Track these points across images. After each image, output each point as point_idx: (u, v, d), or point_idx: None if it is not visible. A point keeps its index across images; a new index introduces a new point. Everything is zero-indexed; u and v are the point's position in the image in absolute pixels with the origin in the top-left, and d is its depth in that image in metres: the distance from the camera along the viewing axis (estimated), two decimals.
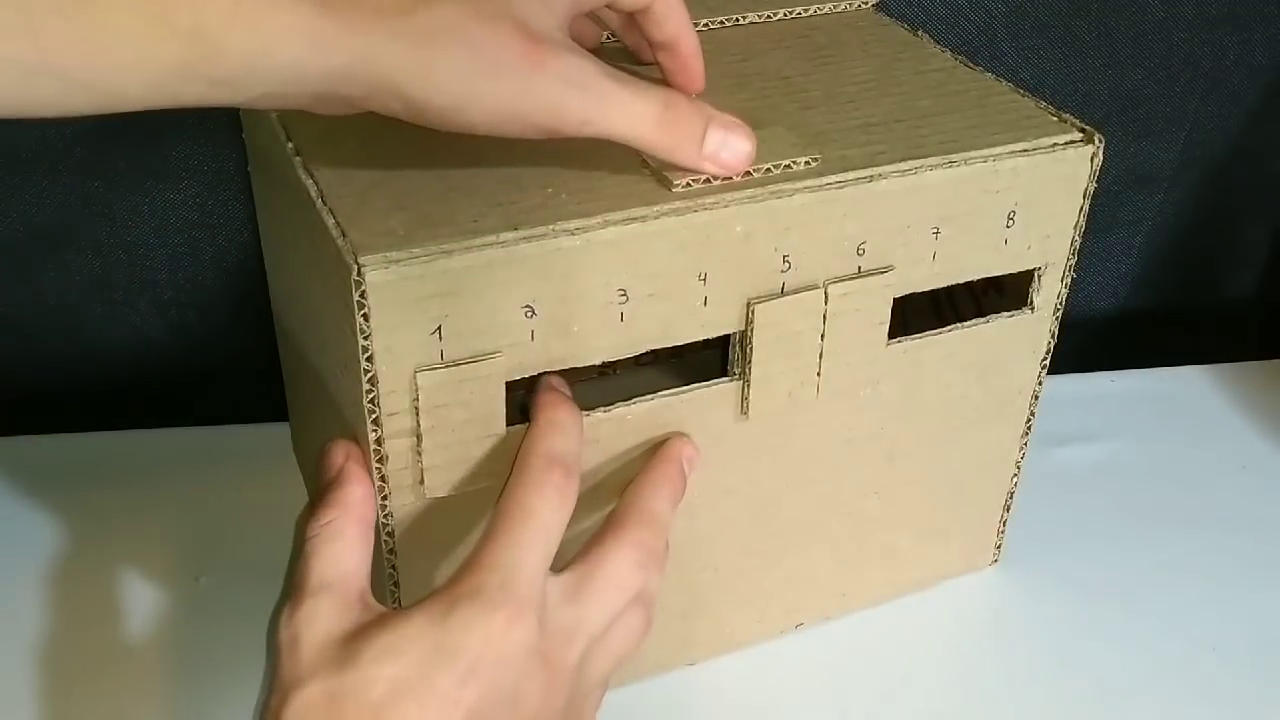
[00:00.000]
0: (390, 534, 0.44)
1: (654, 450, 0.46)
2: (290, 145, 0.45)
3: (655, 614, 0.44)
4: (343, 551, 0.41)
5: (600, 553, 0.42)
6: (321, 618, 0.39)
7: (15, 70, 0.33)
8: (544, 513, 0.40)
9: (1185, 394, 0.74)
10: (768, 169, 0.43)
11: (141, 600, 0.57)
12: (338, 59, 0.36)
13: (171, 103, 0.36)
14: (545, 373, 0.43)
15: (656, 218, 0.41)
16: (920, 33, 0.57)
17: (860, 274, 0.46)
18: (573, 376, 0.45)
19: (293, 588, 0.40)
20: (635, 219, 0.41)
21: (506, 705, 0.38)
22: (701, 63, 0.47)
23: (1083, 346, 0.83)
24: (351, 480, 0.42)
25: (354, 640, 0.38)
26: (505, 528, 0.40)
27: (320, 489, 0.43)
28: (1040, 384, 0.54)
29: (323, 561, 0.40)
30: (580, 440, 0.43)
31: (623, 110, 0.40)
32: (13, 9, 0.33)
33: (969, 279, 0.49)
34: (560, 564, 0.41)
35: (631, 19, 0.46)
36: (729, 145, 0.42)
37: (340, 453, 0.43)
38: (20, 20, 0.33)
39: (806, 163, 0.44)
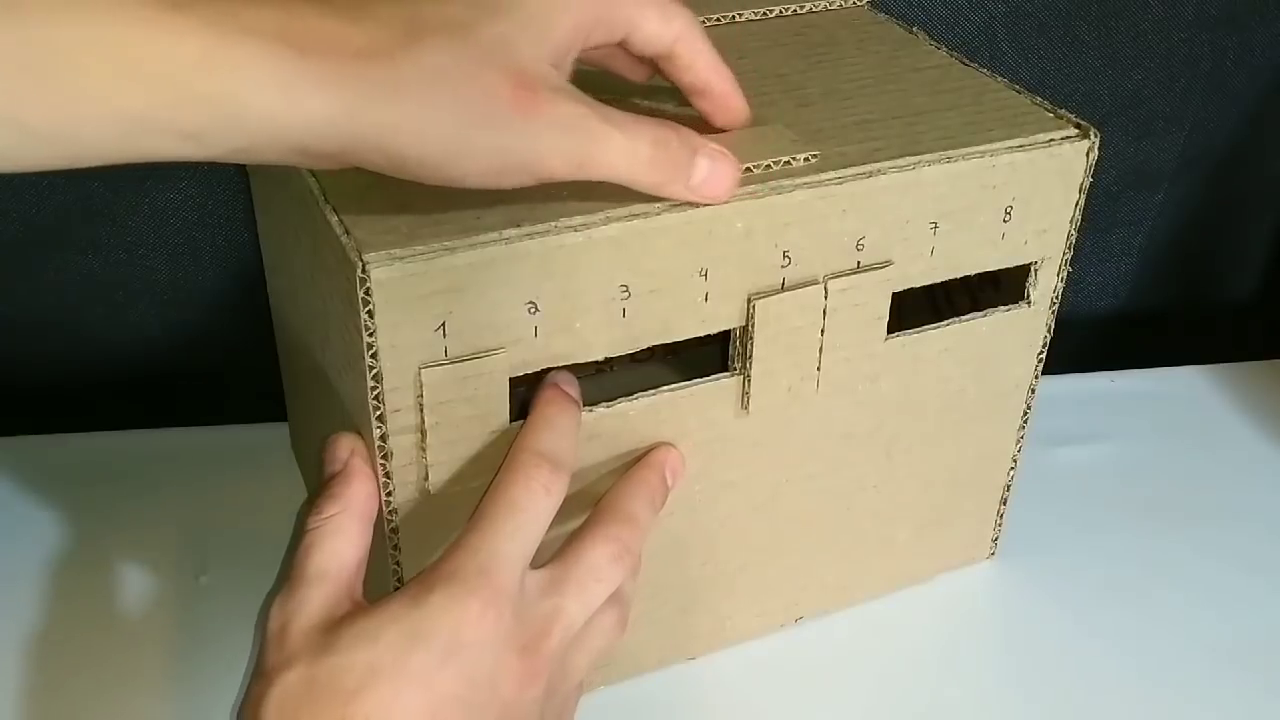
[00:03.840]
0: (394, 530, 0.44)
1: (639, 458, 0.47)
2: None
3: (629, 615, 0.45)
4: (342, 546, 0.41)
5: (578, 547, 0.43)
6: (312, 607, 0.39)
7: None
8: (528, 506, 0.41)
9: (1185, 394, 0.74)
10: (767, 165, 0.44)
11: (142, 599, 0.57)
12: (315, 111, 0.34)
13: (140, 156, 0.34)
14: (552, 370, 0.44)
15: (658, 214, 0.41)
16: (915, 30, 0.57)
17: (859, 269, 0.46)
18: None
19: (288, 577, 0.40)
20: (637, 215, 0.41)
21: (483, 693, 0.38)
22: (740, 95, 0.45)
23: (1083, 346, 0.83)
24: (356, 476, 0.43)
25: (335, 627, 0.38)
26: (488, 517, 0.40)
27: (324, 481, 0.43)
28: (1037, 378, 0.55)
29: (321, 554, 0.41)
30: (574, 441, 0.43)
31: (614, 153, 0.39)
32: None
33: (966, 273, 0.49)
34: (539, 563, 0.42)
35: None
36: (715, 175, 0.41)
37: (345, 446, 0.43)
38: None
39: (806, 159, 0.44)
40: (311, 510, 0.42)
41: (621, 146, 0.39)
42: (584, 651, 0.43)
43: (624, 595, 0.44)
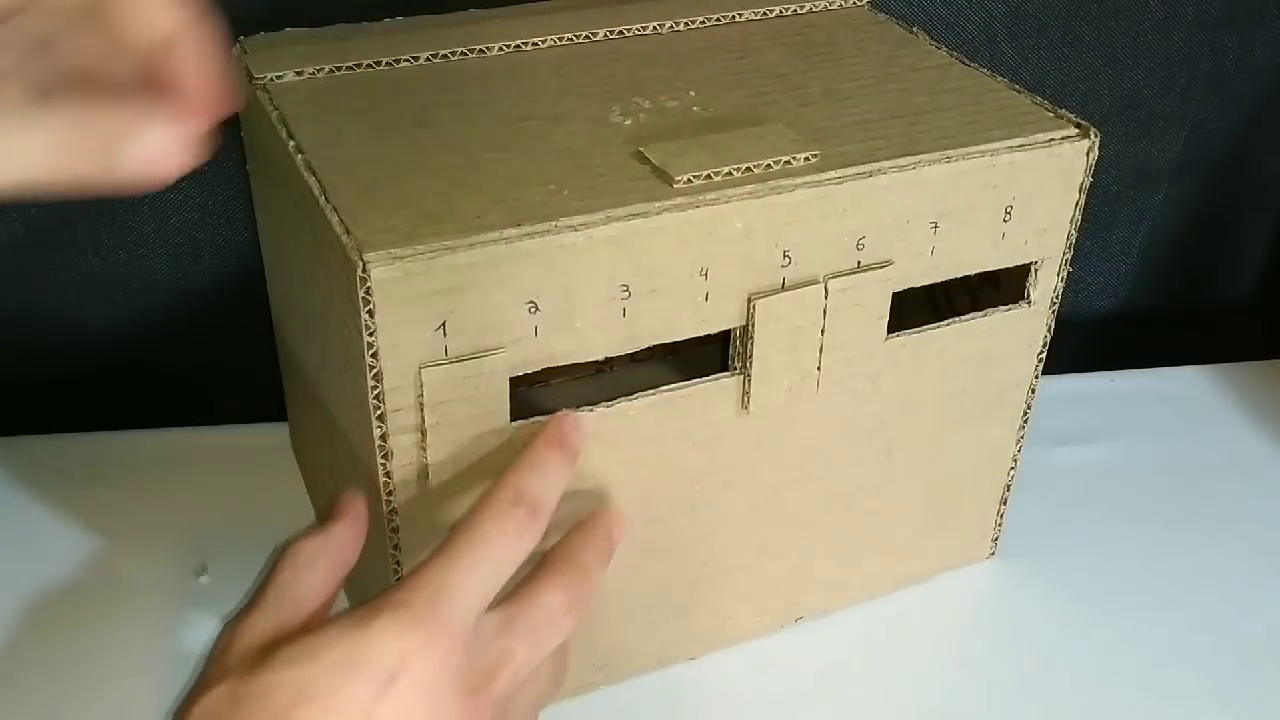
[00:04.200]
0: (395, 530, 0.44)
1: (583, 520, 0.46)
2: (292, 144, 0.45)
3: (569, 667, 0.44)
4: (308, 579, 0.41)
5: (533, 593, 0.41)
6: (260, 629, 0.38)
7: None
8: (497, 544, 0.39)
9: (1185, 394, 0.74)
10: (768, 165, 0.44)
11: (142, 599, 0.57)
12: None
13: None
14: (566, 412, 0.43)
15: (658, 214, 0.41)
16: (916, 30, 0.57)
17: (860, 269, 0.46)
18: (570, 374, 0.45)
19: (250, 601, 0.40)
20: (637, 215, 0.41)
21: None
22: (216, 60, 0.33)
23: (1083, 346, 0.83)
24: (345, 520, 0.43)
25: (274, 646, 0.37)
26: (452, 549, 0.39)
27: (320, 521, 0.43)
28: (1037, 378, 0.55)
29: (284, 582, 0.40)
30: (559, 488, 0.42)
31: (13, 151, 0.31)
32: None
33: (966, 273, 0.49)
34: (494, 603, 0.40)
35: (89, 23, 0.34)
36: (161, 148, 0.32)
37: (350, 498, 0.44)
38: None
39: (806, 159, 0.44)
40: (294, 540, 0.42)
41: (22, 140, 0.31)
42: (523, 699, 0.41)
43: (566, 650, 0.43)
